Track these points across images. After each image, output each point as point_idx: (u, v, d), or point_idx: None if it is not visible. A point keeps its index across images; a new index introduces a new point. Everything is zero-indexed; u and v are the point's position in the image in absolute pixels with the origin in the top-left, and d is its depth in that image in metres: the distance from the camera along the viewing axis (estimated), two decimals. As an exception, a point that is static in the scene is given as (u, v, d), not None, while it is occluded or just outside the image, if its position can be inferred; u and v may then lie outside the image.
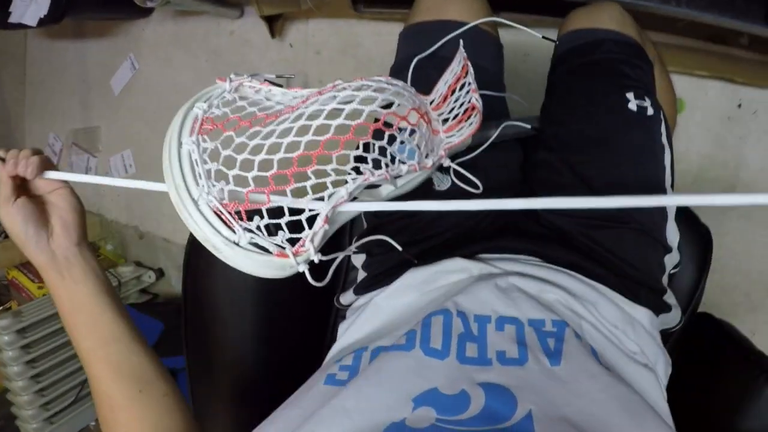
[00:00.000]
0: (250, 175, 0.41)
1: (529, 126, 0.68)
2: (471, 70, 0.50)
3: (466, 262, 0.58)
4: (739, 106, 1.17)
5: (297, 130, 0.40)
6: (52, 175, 0.52)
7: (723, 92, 1.18)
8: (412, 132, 0.47)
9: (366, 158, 0.44)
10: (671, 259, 0.64)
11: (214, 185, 0.41)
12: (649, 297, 0.59)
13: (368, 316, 0.57)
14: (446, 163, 0.54)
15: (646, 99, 0.64)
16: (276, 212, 0.41)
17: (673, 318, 0.64)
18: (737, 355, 0.65)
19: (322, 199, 0.42)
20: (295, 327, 0.79)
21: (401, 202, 0.43)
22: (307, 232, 0.41)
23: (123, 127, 1.96)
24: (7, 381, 1.48)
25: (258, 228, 0.41)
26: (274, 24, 1.53)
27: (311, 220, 0.42)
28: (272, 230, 0.42)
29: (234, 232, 0.41)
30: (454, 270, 0.58)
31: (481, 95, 0.52)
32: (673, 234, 0.64)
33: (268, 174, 0.40)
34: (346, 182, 0.42)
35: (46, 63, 2.11)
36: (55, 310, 1.52)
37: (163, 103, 1.85)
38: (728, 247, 1.19)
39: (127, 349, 0.53)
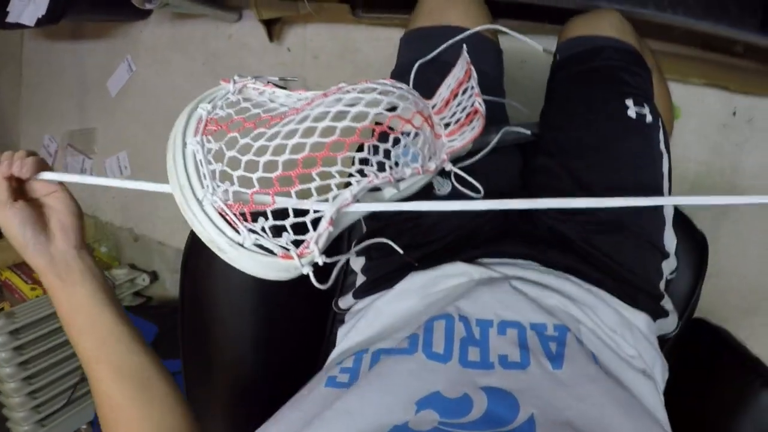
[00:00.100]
0: (254, 176, 0.41)
1: (529, 132, 0.68)
2: (474, 74, 0.51)
3: (466, 266, 0.58)
4: (734, 113, 1.18)
5: (302, 132, 0.41)
6: (47, 176, 0.52)
7: (718, 100, 1.19)
8: (416, 135, 0.48)
9: (369, 160, 0.44)
10: (669, 265, 0.64)
11: (218, 186, 0.41)
12: (647, 302, 0.60)
13: (370, 321, 0.57)
14: (448, 167, 0.54)
15: (645, 106, 0.65)
16: (280, 214, 0.41)
17: (670, 323, 0.64)
18: (733, 361, 0.66)
19: (325, 200, 0.42)
20: (293, 330, 0.79)
21: (405, 203, 0.43)
22: (311, 234, 0.41)
23: (119, 129, 1.96)
24: (-1, 383, 1.47)
25: (262, 229, 0.41)
26: (273, 28, 1.53)
27: (315, 223, 0.42)
28: (276, 232, 0.42)
29: (238, 233, 0.41)
30: (454, 274, 0.58)
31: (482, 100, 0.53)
32: (670, 240, 0.65)
33: (272, 175, 0.40)
34: (350, 184, 0.43)
35: (43, 64, 2.10)
36: (48, 311, 1.52)
37: (159, 105, 1.85)
38: (723, 253, 1.20)
39: (128, 349, 0.52)
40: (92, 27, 1.94)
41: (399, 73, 0.71)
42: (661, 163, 0.65)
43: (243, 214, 0.41)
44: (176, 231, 1.85)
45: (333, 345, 0.62)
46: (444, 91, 0.53)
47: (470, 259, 0.60)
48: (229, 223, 0.41)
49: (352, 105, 0.42)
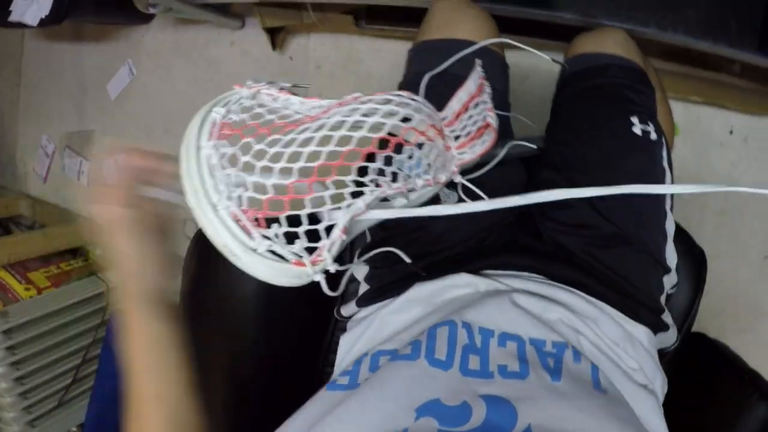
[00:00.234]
0: (269, 182, 0.41)
1: (534, 146, 0.69)
2: (488, 89, 0.51)
3: (472, 277, 0.59)
4: (731, 132, 1.20)
5: (318, 140, 0.41)
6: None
7: (715, 118, 1.21)
8: (430, 147, 0.48)
9: (384, 170, 0.44)
10: (670, 280, 0.65)
11: (233, 191, 0.41)
12: (649, 316, 0.61)
13: (375, 333, 0.58)
14: (457, 179, 0.55)
15: (650, 124, 0.66)
16: (294, 220, 0.42)
17: (670, 337, 0.65)
18: (731, 375, 0.66)
19: (338, 209, 0.42)
20: (293, 336, 0.79)
21: (416, 209, 0.44)
22: (324, 242, 0.41)
23: (118, 133, 1.95)
24: (-10, 383, 1.45)
25: (276, 235, 0.41)
26: (276, 36, 1.54)
27: (327, 230, 0.42)
28: (288, 238, 0.42)
29: (252, 238, 0.41)
30: (460, 285, 0.58)
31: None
32: (671, 255, 0.65)
33: (287, 182, 0.40)
34: (363, 193, 0.43)
35: (42, 65, 2.10)
36: (41, 312, 1.51)
37: (159, 110, 1.84)
38: (718, 270, 1.21)
39: (185, 396, 0.49)
40: (93, 29, 1.94)
41: (407, 85, 0.72)
42: (664, 180, 0.66)
43: (257, 220, 0.41)
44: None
45: (333, 351, 0.62)
46: (455, 104, 0.53)
47: (476, 271, 0.60)
48: (243, 228, 0.41)
49: (368, 115, 0.42)
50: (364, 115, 0.42)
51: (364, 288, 0.69)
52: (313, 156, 0.40)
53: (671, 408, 0.57)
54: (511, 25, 1.00)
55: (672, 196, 0.67)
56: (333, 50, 1.55)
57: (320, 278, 0.41)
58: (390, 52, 1.47)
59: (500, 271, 0.61)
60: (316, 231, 0.41)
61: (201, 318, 0.76)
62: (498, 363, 0.47)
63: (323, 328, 0.81)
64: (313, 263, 0.41)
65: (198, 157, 0.43)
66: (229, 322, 0.75)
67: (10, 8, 1.43)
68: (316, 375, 0.80)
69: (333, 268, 0.42)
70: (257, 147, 0.43)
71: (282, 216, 0.41)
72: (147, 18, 1.78)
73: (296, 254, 0.41)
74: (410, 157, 0.47)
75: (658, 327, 0.62)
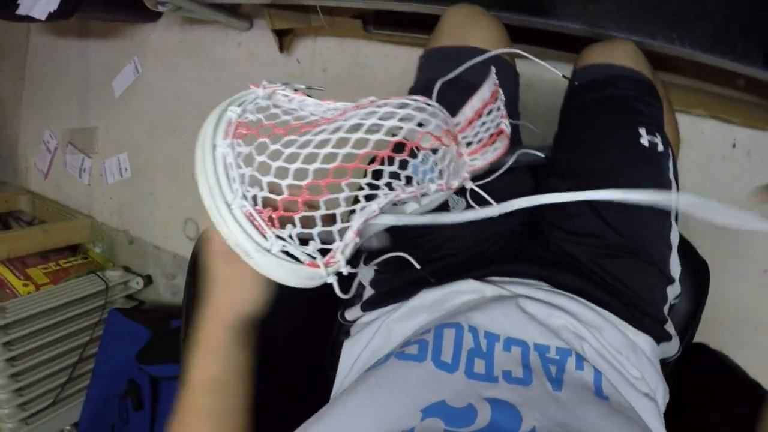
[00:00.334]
0: (284, 182, 0.41)
1: (542, 155, 0.70)
2: (502, 96, 0.52)
3: (478, 283, 0.59)
4: (734, 145, 1.21)
5: (335, 142, 0.41)
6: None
7: (719, 132, 1.21)
8: (444, 152, 0.48)
9: (398, 174, 0.44)
10: (673, 290, 0.66)
11: (248, 190, 0.41)
12: (652, 325, 0.61)
13: (381, 341, 0.58)
14: (468, 185, 0.55)
15: (657, 135, 0.67)
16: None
17: (673, 347, 0.65)
18: (733, 386, 0.67)
19: (353, 211, 0.42)
20: (297, 336, 0.79)
21: (428, 215, 0.44)
22: (338, 244, 0.41)
23: (121, 130, 1.95)
24: (-15, 379, 1.45)
25: (290, 236, 0.41)
26: (284, 39, 1.54)
27: (341, 232, 0.42)
28: (301, 239, 0.42)
29: (266, 238, 0.41)
30: (466, 291, 0.59)
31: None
32: (675, 266, 0.66)
33: (302, 183, 0.40)
34: (377, 196, 0.43)
35: (47, 59, 2.10)
36: (39, 308, 1.50)
37: (163, 109, 1.85)
38: (718, 282, 1.22)
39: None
40: (100, 26, 1.95)
41: (419, 90, 0.71)
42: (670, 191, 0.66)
43: (271, 220, 0.41)
44: (172, 236, 1.85)
45: (336, 355, 0.63)
46: (468, 110, 0.54)
47: (482, 277, 0.60)
48: (257, 228, 0.41)
49: (384, 119, 0.42)
50: (381, 119, 0.42)
51: (369, 292, 0.69)
52: (330, 158, 0.41)
53: (672, 417, 0.57)
54: (520, 34, 1.01)
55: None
56: (339, 54, 1.56)
57: (333, 280, 0.41)
58: (397, 58, 1.47)
59: (506, 278, 0.61)
60: (330, 233, 0.41)
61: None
62: (502, 368, 0.47)
63: (326, 331, 0.81)
64: (327, 265, 0.41)
65: (213, 156, 0.43)
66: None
67: (18, 1, 1.42)
68: (319, 375, 0.80)
69: (346, 270, 0.42)
70: (273, 147, 0.43)
71: (296, 217, 0.41)
72: (154, 16, 1.79)
73: (310, 255, 0.41)
74: (424, 162, 0.47)
75: (661, 337, 0.62)
